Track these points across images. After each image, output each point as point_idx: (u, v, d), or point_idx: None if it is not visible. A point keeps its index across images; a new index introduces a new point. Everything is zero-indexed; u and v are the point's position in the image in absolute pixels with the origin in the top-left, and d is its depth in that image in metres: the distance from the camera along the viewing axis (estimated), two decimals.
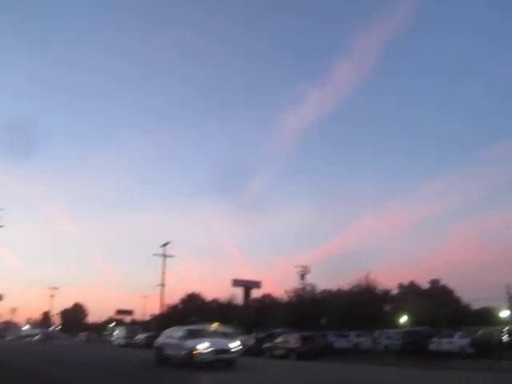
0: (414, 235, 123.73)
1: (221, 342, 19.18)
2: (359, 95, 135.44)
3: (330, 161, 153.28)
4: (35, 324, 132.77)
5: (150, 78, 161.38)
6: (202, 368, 17.17)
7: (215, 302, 75.28)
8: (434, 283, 65.13)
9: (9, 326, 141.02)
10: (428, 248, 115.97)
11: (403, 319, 39.44)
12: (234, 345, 19.21)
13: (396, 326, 34.67)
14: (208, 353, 17.44)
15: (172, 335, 20.48)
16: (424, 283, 64.74)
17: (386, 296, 31.45)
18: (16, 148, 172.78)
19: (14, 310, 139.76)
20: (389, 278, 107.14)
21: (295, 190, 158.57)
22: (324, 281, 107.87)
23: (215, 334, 20.53)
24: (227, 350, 18.40)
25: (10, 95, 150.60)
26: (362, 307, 28.90)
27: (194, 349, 17.48)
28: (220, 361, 18.03)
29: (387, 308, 28.60)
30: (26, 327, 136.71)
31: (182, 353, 18.16)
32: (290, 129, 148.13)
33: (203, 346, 17.52)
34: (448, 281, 64.53)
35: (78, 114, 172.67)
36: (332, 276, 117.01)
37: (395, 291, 48.95)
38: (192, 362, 17.52)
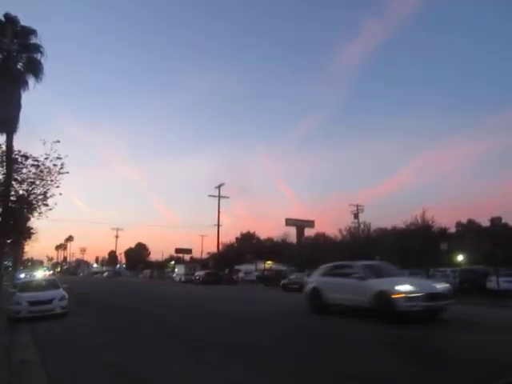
0: (473, 171, 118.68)
1: (427, 284, 13.79)
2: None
3: (384, 97, 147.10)
4: (103, 262, 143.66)
5: (208, 20, 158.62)
6: (401, 318, 12.06)
7: (269, 240, 77.16)
8: (495, 221, 62.57)
9: (80, 264, 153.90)
10: (489, 185, 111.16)
11: (460, 258, 38.74)
12: (444, 287, 13.26)
13: (452, 264, 34.17)
14: (414, 298, 12.02)
15: (339, 272, 15.40)
16: (484, 221, 62.63)
17: (442, 234, 30.70)
18: (79, 99, 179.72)
19: (83, 250, 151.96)
20: (447, 217, 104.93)
21: (348, 127, 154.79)
22: (378, 220, 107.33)
23: (392, 271, 15.23)
24: (440, 295, 12.64)
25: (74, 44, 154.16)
26: (417, 245, 28.47)
27: (392, 292, 12.32)
28: (430, 310, 12.52)
29: (444, 246, 27.97)
30: (95, 265, 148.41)
31: (365, 298, 13.07)
32: (343, 65, 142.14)
33: (406, 289, 12.28)
34: (510, 219, 62.09)
35: (138, 62, 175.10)
36: (387, 215, 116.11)
37: (453, 230, 47.80)
38: (386, 311, 12.31)
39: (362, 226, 42.89)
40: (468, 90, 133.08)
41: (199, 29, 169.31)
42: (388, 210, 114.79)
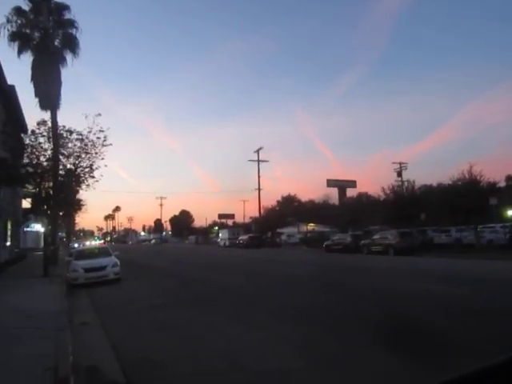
0: None
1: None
2: None
3: (424, 49, 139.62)
4: (149, 230, 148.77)
5: None
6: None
7: (311, 202, 76.85)
8: None
9: (128, 233, 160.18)
10: None
11: (511, 212, 37.22)
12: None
13: (503, 220, 32.89)
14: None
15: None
16: None
17: (491, 189, 29.35)
18: (115, 71, 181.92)
19: (130, 219, 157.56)
20: (495, 171, 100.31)
21: (388, 82, 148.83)
22: (423, 177, 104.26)
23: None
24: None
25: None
26: (464, 201, 27.46)
27: None
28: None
29: (493, 201, 26.88)
30: (143, 234, 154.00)
31: None
32: (378, 21, 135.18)
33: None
34: None
35: (172, 29, 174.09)
36: (432, 172, 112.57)
37: (503, 184, 45.72)
38: None
39: (405, 184, 41.75)
40: (510, 43, 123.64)
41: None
42: (433, 166, 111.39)
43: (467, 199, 27.38)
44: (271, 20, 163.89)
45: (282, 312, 9.24)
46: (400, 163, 47.94)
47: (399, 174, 46.72)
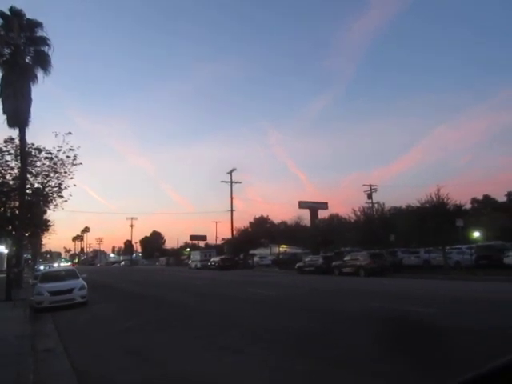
0: (487, 147, 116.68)
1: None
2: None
3: (394, 75, 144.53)
4: (119, 251, 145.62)
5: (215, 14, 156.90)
6: None
7: (283, 224, 77.06)
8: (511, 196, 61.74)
9: (97, 254, 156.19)
10: (504, 160, 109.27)
11: (476, 234, 38.30)
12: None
13: (469, 241, 33.81)
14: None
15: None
16: (500, 196, 61.75)
17: (458, 211, 30.26)
18: (88, 91, 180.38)
19: (99, 240, 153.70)
20: (462, 194, 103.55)
21: (358, 107, 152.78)
22: (393, 199, 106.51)
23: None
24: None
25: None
26: (432, 223, 28.18)
27: None
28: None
29: (459, 223, 27.65)
30: (112, 255, 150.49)
31: None
32: (350, 46, 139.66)
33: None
34: None
35: (142, 53, 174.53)
36: (401, 194, 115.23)
37: (468, 206, 47.21)
38: None
39: (375, 206, 42.59)
40: (482, 64, 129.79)
41: (200, 18, 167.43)
42: (402, 189, 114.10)
43: (435, 221, 28.08)
44: (245, 41, 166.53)
45: (252, 335, 9.13)
46: (370, 185, 48.93)
47: (369, 196, 47.63)
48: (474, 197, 63.32)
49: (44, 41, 25.94)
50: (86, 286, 17.22)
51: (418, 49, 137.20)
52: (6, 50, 25.22)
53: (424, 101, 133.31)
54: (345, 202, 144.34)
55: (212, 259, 56.24)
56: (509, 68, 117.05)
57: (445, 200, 30.25)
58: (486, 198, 62.86)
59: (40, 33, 25.90)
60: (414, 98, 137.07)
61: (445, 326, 9.15)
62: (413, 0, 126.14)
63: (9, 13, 24.65)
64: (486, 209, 56.40)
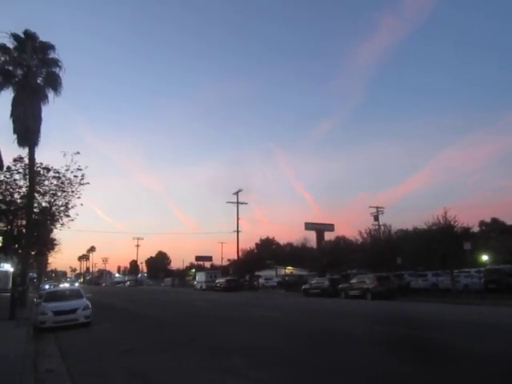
0: (495, 169, 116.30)
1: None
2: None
3: (401, 98, 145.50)
4: (124, 271, 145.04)
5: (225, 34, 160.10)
6: None
7: (289, 245, 76.54)
8: None
9: (102, 274, 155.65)
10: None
11: (485, 257, 37.80)
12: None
13: (477, 264, 33.36)
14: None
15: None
16: (508, 219, 61.14)
17: (466, 234, 29.91)
18: (97, 109, 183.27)
19: (105, 260, 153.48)
20: (469, 216, 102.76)
21: (365, 129, 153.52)
22: (399, 221, 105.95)
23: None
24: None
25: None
26: (439, 246, 27.87)
27: None
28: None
29: (467, 246, 27.32)
30: (117, 275, 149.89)
31: None
32: (358, 68, 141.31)
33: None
34: None
35: (151, 73, 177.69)
36: (408, 216, 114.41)
37: (476, 229, 46.75)
38: None
39: (382, 228, 42.31)
40: (490, 86, 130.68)
41: (210, 37, 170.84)
42: (408, 211, 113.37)
43: (442, 244, 27.78)
44: (254, 64, 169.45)
45: (256, 358, 8.98)
46: (377, 207, 48.77)
47: (376, 218, 47.42)
48: (482, 219, 62.85)
49: (56, 62, 26.48)
50: (90, 305, 17.10)
51: (425, 71, 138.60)
52: (19, 71, 25.76)
53: (431, 123, 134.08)
54: (351, 224, 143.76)
55: (217, 280, 55.85)
56: None
57: (452, 223, 29.97)
58: (494, 220, 62.31)
59: (52, 55, 26.48)
60: (421, 120, 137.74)
61: (458, 350, 8.96)
62: (419, 23, 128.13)
63: (23, 35, 25.25)
64: (494, 232, 55.84)
